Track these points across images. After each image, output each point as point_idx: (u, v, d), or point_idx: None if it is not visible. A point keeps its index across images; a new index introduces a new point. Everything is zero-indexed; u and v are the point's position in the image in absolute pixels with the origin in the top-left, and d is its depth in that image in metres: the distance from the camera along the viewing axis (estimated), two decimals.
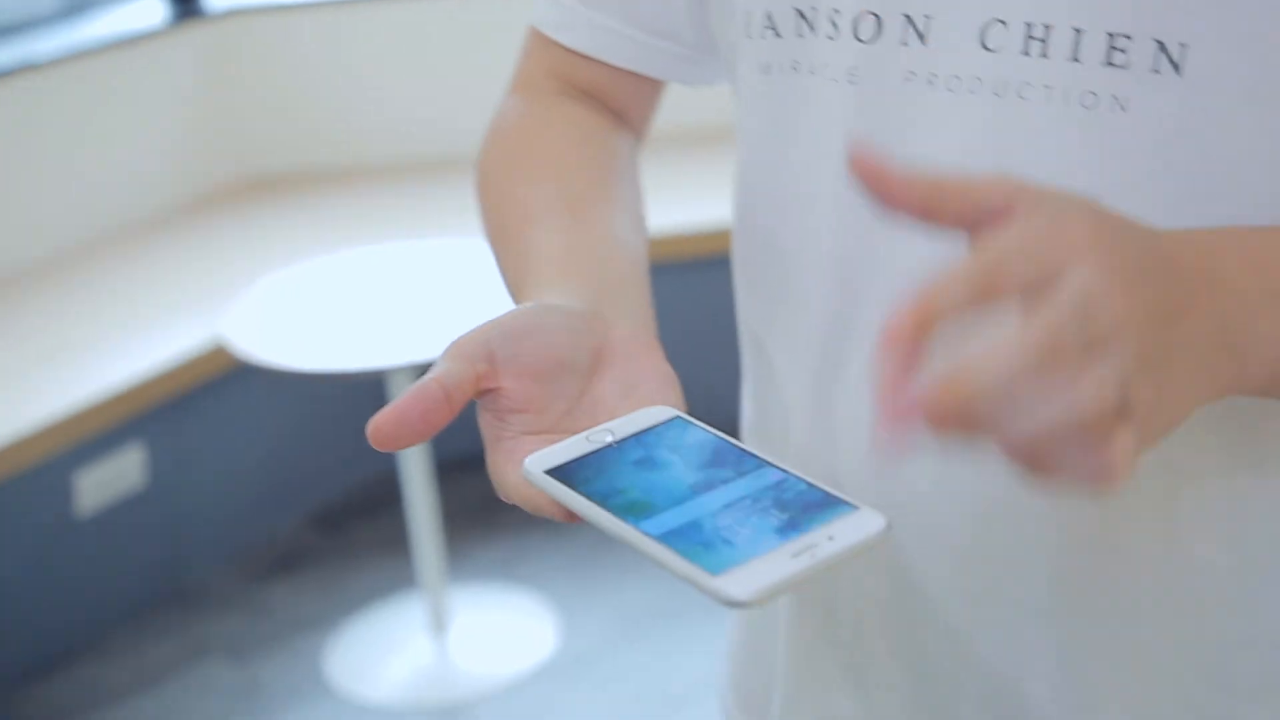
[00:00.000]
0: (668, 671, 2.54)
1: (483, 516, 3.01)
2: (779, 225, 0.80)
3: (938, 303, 0.50)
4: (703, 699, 2.45)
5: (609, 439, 0.63)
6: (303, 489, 3.09)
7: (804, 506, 0.58)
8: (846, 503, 0.58)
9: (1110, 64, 0.65)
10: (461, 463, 3.14)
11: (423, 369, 2.40)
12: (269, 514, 3.04)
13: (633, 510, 0.60)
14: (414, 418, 0.60)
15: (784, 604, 0.83)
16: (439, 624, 2.60)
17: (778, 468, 0.61)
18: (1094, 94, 0.66)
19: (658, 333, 0.72)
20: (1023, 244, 0.51)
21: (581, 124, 0.88)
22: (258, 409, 2.97)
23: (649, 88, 0.91)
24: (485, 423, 0.64)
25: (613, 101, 0.90)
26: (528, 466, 0.62)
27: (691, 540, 0.58)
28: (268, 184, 3.38)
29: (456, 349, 0.63)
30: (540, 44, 0.91)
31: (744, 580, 0.55)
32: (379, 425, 0.60)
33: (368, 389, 3.08)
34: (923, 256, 0.68)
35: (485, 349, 0.63)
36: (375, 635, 2.68)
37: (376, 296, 2.51)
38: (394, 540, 2.95)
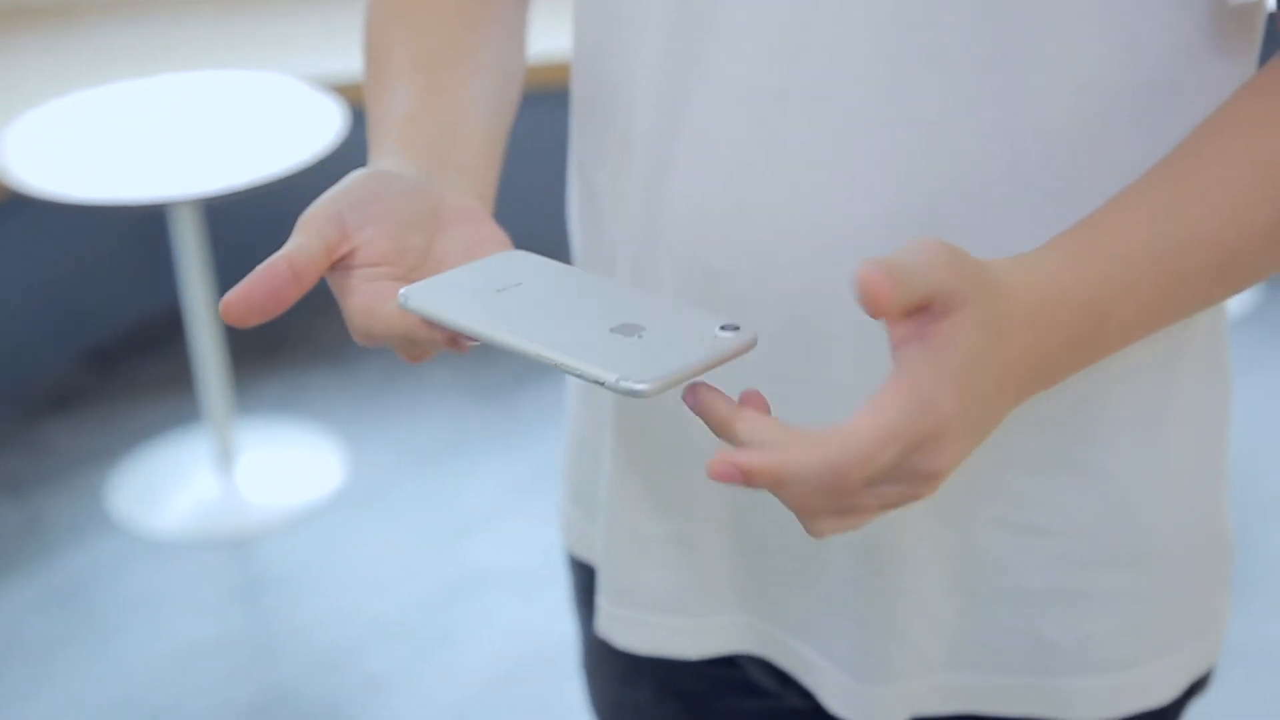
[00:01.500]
0: (455, 499, 2.58)
1: (267, 351, 2.98)
2: (609, 50, 0.81)
3: (784, 479, 0.57)
4: (491, 525, 2.51)
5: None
6: (80, 324, 3.04)
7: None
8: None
9: None
10: None
11: (202, 203, 2.38)
12: (45, 350, 2.98)
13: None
14: (262, 297, 0.63)
15: (610, 396, 0.87)
16: (225, 458, 2.60)
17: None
18: None
19: (495, 203, 0.76)
20: (882, 456, 0.57)
21: None
22: (31, 242, 2.89)
23: None
24: (337, 280, 0.68)
25: None
26: (405, 294, 0.64)
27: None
28: (34, 12, 3.23)
29: (306, 221, 0.66)
30: None
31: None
32: (229, 304, 0.63)
33: (147, 222, 3.05)
34: (741, 79, 0.73)
35: (336, 217, 0.66)
36: (160, 470, 2.66)
37: (154, 128, 2.45)
38: (177, 376, 2.92)
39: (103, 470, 2.66)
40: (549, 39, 0.90)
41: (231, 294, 0.63)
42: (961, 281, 0.58)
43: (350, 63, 3.01)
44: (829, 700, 0.87)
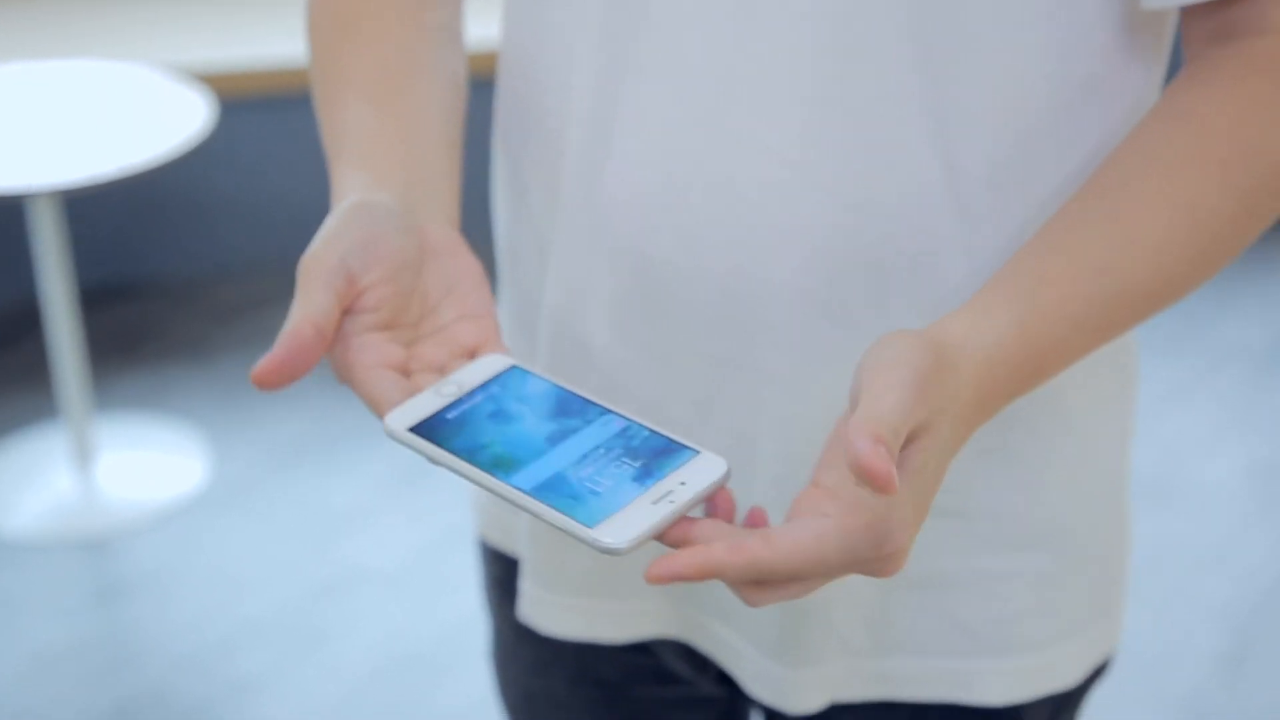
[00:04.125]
0: (323, 497, 2.58)
1: (126, 345, 2.95)
2: (540, 43, 0.82)
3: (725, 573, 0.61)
4: (360, 523, 2.52)
5: (456, 391, 0.68)
6: None
7: (653, 453, 0.64)
8: (689, 447, 0.64)
9: None
10: (104, 291, 3.11)
11: (60, 194, 2.32)
12: None
13: (500, 465, 0.64)
14: (296, 361, 0.65)
15: None
16: (83, 455, 2.56)
17: (619, 415, 0.66)
18: None
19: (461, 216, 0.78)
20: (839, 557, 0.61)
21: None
22: None
23: None
24: None
25: None
26: (390, 425, 0.66)
27: (561, 493, 0.62)
28: None
29: (316, 275, 0.67)
30: None
31: (617, 529, 0.61)
32: (263, 374, 0.65)
33: (0, 213, 3.00)
34: (682, 65, 0.75)
35: (341, 267, 0.68)
36: (13, 468, 2.61)
37: (11, 117, 2.40)
38: (32, 370, 2.87)
39: None
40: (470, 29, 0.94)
41: (264, 364, 0.65)
42: (931, 411, 0.62)
43: (219, 52, 3.00)
44: (748, 683, 0.88)
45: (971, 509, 0.83)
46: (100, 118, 2.39)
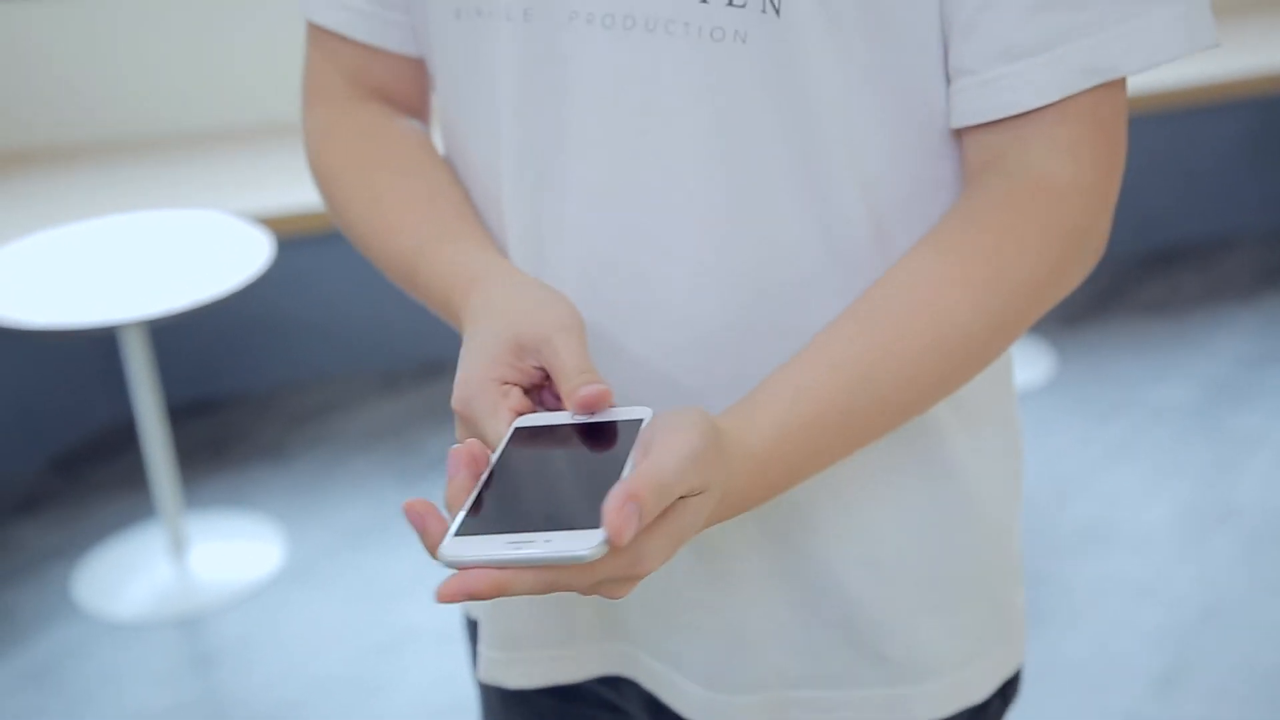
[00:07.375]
0: (381, 571, 2.61)
1: (212, 451, 3.01)
2: (473, 165, 0.84)
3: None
4: (413, 591, 2.55)
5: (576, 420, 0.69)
6: (45, 434, 3.04)
7: (575, 508, 0.61)
8: (592, 523, 0.59)
9: (731, 4, 0.73)
10: (192, 405, 3.16)
11: (147, 324, 2.38)
12: (13, 458, 2.97)
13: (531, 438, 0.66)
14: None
15: None
16: (178, 547, 2.61)
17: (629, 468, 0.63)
18: (721, 29, 0.73)
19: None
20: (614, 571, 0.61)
21: (409, 133, 0.88)
22: (2, 363, 2.89)
23: (412, 69, 0.91)
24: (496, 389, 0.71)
25: (397, 95, 0.91)
26: (516, 424, 0.68)
27: (506, 491, 0.62)
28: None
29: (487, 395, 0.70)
30: (321, 47, 0.90)
31: (460, 547, 0.59)
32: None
33: (103, 343, 3.05)
34: (596, 181, 0.77)
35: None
36: (119, 561, 2.66)
37: (107, 262, 2.45)
38: (132, 477, 2.93)
39: (69, 563, 2.67)
40: None
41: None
42: (704, 481, 0.63)
43: (277, 198, 3.00)
44: (688, 711, 0.87)
45: (881, 557, 0.83)
46: (179, 257, 2.42)
